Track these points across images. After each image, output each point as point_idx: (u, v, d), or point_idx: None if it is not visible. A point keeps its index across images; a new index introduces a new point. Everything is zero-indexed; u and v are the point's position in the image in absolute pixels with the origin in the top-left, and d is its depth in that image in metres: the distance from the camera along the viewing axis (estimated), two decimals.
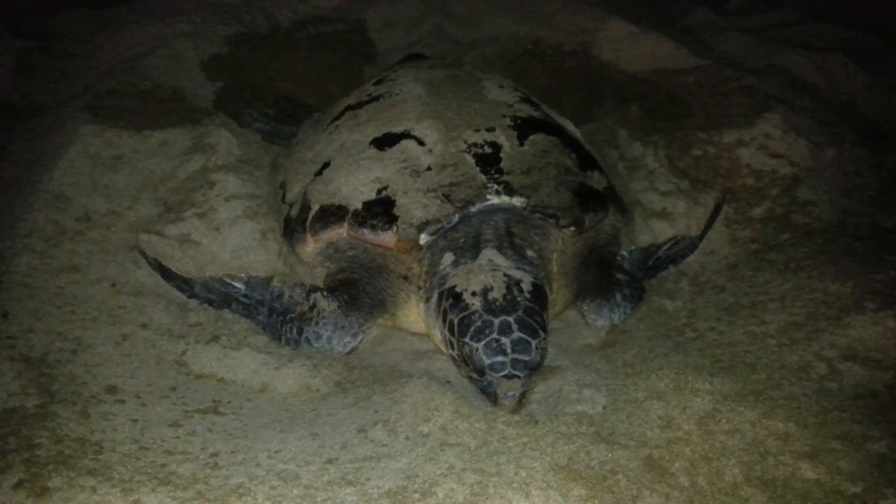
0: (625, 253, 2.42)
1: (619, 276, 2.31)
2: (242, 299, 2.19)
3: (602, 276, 2.30)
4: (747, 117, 2.94)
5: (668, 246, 2.46)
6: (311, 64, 3.78)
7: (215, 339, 2.06)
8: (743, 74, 3.31)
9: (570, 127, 2.83)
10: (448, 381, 1.92)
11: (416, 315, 2.19)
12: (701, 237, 2.50)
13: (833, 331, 1.93)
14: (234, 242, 2.32)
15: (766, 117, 2.92)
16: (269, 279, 2.22)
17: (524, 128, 2.46)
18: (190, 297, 2.20)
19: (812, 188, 2.65)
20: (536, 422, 1.74)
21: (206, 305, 2.19)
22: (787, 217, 2.54)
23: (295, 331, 2.11)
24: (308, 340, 2.10)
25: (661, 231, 2.52)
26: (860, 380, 1.78)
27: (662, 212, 2.57)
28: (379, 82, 2.94)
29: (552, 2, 4.03)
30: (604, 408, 1.79)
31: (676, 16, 4.45)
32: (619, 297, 2.26)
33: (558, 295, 2.24)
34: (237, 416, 1.79)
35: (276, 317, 2.15)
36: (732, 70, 3.37)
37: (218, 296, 2.19)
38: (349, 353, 2.13)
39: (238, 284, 2.20)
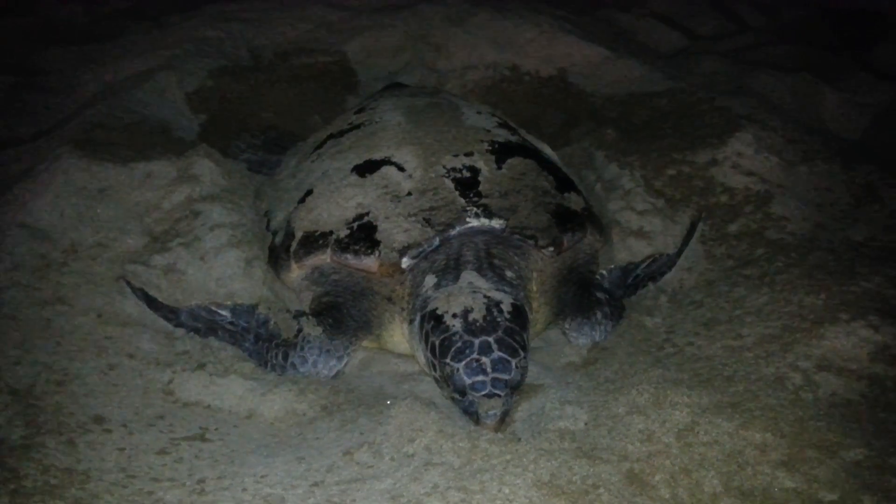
0: (604, 272, 2.47)
1: (599, 294, 2.35)
2: (228, 327, 2.21)
3: (582, 294, 2.34)
4: (720, 137, 3.03)
5: (646, 264, 2.52)
6: (294, 95, 3.83)
7: (202, 366, 2.07)
8: (715, 96, 3.41)
9: (547, 150, 2.89)
10: (432, 402, 1.94)
11: (400, 336, 2.23)
12: (678, 254, 2.56)
13: (808, 342, 1.97)
14: (220, 271, 2.35)
15: (737, 136, 3.00)
16: (254, 306, 2.24)
17: (502, 152, 2.52)
18: (176, 325, 2.21)
19: (784, 204, 2.72)
20: (519, 439, 1.77)
21: (192, 334, 2.20)
22: (761, 233, 2.60)
23: (281, 356, 2.13)
24: (294, 365, 2.12)
25: (639, 249, 2.58)
26: (835, 389, 1.82)
27: (640, 231, 2.63)
28: (360, 111, 3.00)
29: (528, 30, 4.12)
30: (586, 424, 1.82)
31: (650, 42, 4.56)
32: (599, 315, 2.30)
33: (538, 314, 2.28)
34: (224, 442, 1.80)
35: (262, 343, 2.17)
36: (705, 92, 3.46)
37: (204, 324, 2.21)
38: (335, 376, 2.15)
39: (224, 312, 2.23)
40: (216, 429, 1.86)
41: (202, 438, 1.81)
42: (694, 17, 5.06)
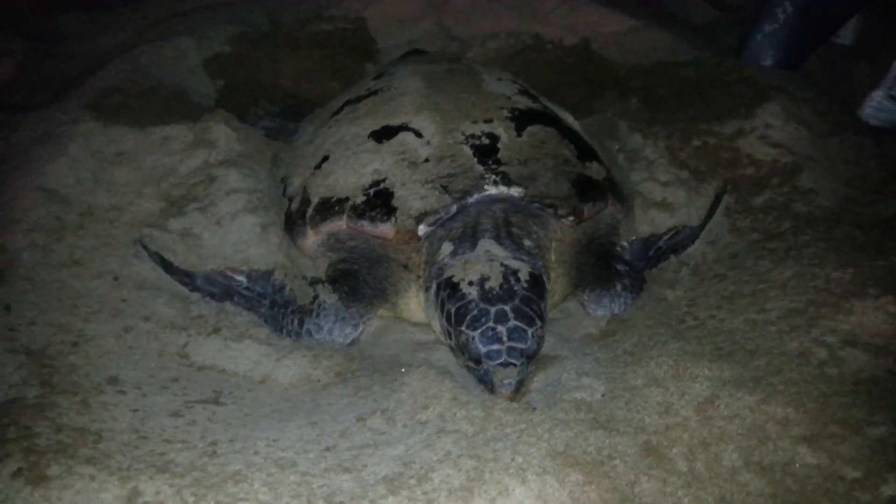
0: (625, 243, 2.42)
1: (619, 266, 2.31)
2: (244, 292, 2.20)
3: (602, 266, 2.30)
4: (747, 107, 2.93)
5: (668, 236, 2.46)
6: (312, 62, 3.77)
7: (217, 331, 2.07)
8: (743, 66, 3.31)
9: (569, 119, 2.83)
10: (447, 371, 1.93)
11: (416, 304, 2.20)
12: (702, 227, 2.50)
13: (833, 317, 1.92)
14: (236, 236, 2.33)
15: (766, 107, 2.91)
16: (270, 272, 2.23)
17: (522, 119, 2.47)
18: (192, 290, 2.21)
19: (813, 177, 2.64)
20: (534, 409, 1.74)
21: (207, 298, 2.20)
22: (788, 206, 2.53)
23: (296, 322, 2.12)
24: (309, 332, 2.11)
25: (662, 221, 2.51)
26: (861, 365, 1.77)
27: (663, 202, 2.57)
28: (378, 77, 2.95)
29: None
30: (602, 395, 1.78)
31: (676, 11, 4.44)
32: (619, 287, 2.25)
33: (557, 284, 2.24)
34: (238, 406, 1.80)
35: (278, 309, 2.16)
36: (733, 62, 3.36)
37: (220, 289, 2.21)
38: (350, 344, 2.14)
39: (240, 277, 2.21)
40: (230, 393, 1.86)
41: (216, 402, 1.81)
42: None
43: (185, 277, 2.22)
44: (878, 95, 3.14)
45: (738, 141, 2.80)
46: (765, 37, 3.38)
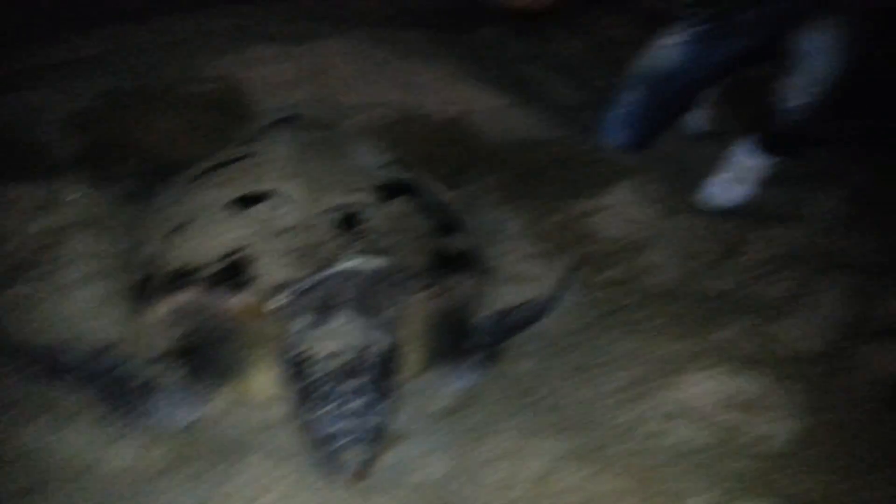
0: (481, 316, 2.48)
1: (474, 339, 2.36)
2: (78, 369, 2.06)
3: (457, 339, 2.33)
4: (604, 186, 3.13)
5: (522, 309, 2.54)
6: (184, 123, 3.68)
7: (42, 413, 1.91)
8: (600, 146, 3.55)
9: (438, 191, 2.91)
10: (291, 453, 1.88)
11: (265, 382, 2.12)
12: (554, 301, 2.60)
13: (665, 389, 2.04)
14: (76, 306, 2.21)
15: (622, 185, 3.12)
16: (109, 347, 2.11)
17: (389, 191, 2.51)
18: (19, 366, 2.04)
19: (660, 252, 2.84)
20: (376, 491, 1.73)
21: (36, 376, 2.03)
22: (636, 280, 2.70)
23: (132, 403, 2.00)
24: (146, 414, 1.99)
25: (518, 295, 2.59)
26: (685, 437, 1.89)
27: (519, 276, 2.67)
28: (246, 142, 2.93)
29: (429, 72, 4.16)
30: (446, 473, 1.80)
31: (546, 91, 4.70)
32: (472, 360, 2.29)
33: (411, 359, 2.25)
34: (55, 499, 1.67)
35: (113, 388, 2.03)
36: (591, 142, 3.59)
37: (51, 365, 2.05)
38: (191, 426, 2.04)
39: (74, 353, 2.07)
40: (50, 483, 1.71)
41: (33, 495, 1.66)
42: (593, 70, 5.26)
43: (12, 352, 2.05)
44: (720, 178, 3.45)
45: (594, 216, 2.98)
46: (618, 117, 3.65)
